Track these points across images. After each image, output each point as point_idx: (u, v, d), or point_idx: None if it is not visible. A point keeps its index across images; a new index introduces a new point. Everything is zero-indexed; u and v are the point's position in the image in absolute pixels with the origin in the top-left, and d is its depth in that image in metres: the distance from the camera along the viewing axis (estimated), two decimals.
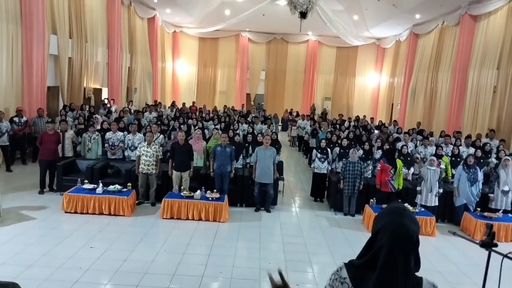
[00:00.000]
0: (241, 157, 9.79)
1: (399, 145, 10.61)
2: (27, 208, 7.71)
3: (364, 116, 19.32)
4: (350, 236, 7.41)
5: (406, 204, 7.93)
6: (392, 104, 22.86)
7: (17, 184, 9.33)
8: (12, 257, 5.66)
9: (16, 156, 11.19)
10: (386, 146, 9.64)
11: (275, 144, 10.01)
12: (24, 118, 11.02)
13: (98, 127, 10.95)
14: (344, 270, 1.76)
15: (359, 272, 1.71)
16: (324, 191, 9.68)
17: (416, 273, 1.68)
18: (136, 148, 9.26)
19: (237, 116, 17.19)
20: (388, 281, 1.60)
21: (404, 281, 1.62)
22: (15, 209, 7.58)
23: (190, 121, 13.45)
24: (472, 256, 6.88)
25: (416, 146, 11.34)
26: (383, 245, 1.63)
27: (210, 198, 7.80)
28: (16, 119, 10.80)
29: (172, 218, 7.64)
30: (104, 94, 17.40)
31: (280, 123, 22.42)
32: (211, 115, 16.70)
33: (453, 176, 9.27)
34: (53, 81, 13.48)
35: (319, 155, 9.46)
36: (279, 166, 9.10)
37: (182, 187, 8.21)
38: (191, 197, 7.79)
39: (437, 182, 8.15)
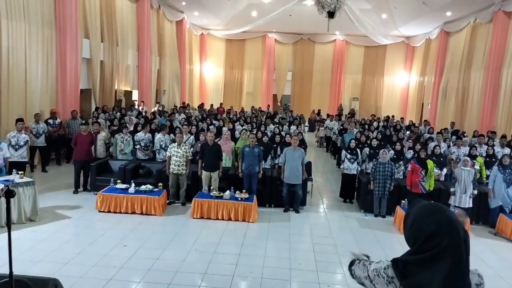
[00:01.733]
0: (269, 157, 9.81)
1: (431, 145, 10.40)
2: (62, 207, 7.95)
3: (393, 116, 19.01)
4: (381, 238, 7.31)
5: None
6: (422, 104, 22.41)
7: (53, 184, 9.63)
8: (49, 254, 5.85)
9: (51, 157, 11.54)
10: (418, 147, 9.45)
11: (301, 144, 9.98)
12: (58, 120, 11.37)
13: (131, 128, 11.18)
14: (390, 270, 1.74)
15: (409, 269, 1.67)
16: (354, 192, 9.57)
17: None
18: (168, 147, 9.43)
19: (265, 117, 17.21)
20: (457, 280, 1.59)
21: (468, 277, 1.63)
22: (51, 208, 7.82)
23: (217, 123, 13.57)
24: (508, 259, 6.68)
25: (449, 146, 11.07)
26: (446, 248, 1.60)
27: (239, 198, 7.84)
28: (50, 121, 11.15)
29: (202, 217, 7.72)
30: (134, 96, 17.75)
31: (307, 124, 22.32)
32: (238, 116, 16.81)
33: (487, 177, 9.01)
34: (86, 84, 13.85)
35: (348, 155, 9.37)
36: (307, 167, 9.07)
37: (211, 187, 8.29)
38: (221, 197, 7.86)
39: (472, 183, 7.94)
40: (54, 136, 11.15)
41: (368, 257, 2.08)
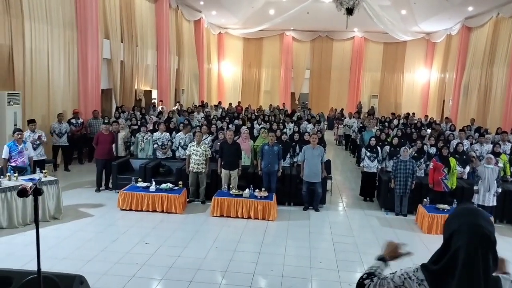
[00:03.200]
0: (288, 156, 9.78)
1: (454, 143, 10.22)
2: (85, 206, 8.09)
3: (413, 114, 18.74)
4: (403, 237, 7.21)
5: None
6: (444, 101, 22.02)
7: (75, 182, 9.81)
8: (73, 252, 5.96)
9: (73, 156, 11.75)
10: (440, 144, 9.30)
11: (320, 143, 9.93)
12: (80, 120, 11.56)
13: (151, 127, 11.30)
14: (420, 272, 1.73)
15: (436, 277, 1.67)
16: (374, 190, 9.48)
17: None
18: (187, 146, 9.50)
19: (283, 115, 17.18)
20: (469, 283, 1.57)
21: (485, 282, 1.57)
22: (74, 206, 7.97)
23: (236, 121, 13.60)
24: None
25: (471, 144, 10.86)
26: (460, 247, 1.59)
27: (259, 197, 7.85)
28: (73, 120, 11.36)
29: (221, 216, 7.76)
30: (154, 96, 17.93)
31: (325, 122, 22.18)
32: (257, 114, 16.82)
33: None
34: (107, 84, 14.05)
35: (368, 153, 9.29)
36: (326, 165, 9.02)
37: (231, 186, 8.31)
38: (240, 196, 7.88)
39: (495, 181, 7.77)
40: (77, 136, 11.35)
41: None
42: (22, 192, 2.43)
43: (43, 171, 7.43)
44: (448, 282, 1.62)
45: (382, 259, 2.03)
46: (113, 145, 9.53)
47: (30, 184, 2.50)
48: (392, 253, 2.04)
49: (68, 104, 11.63)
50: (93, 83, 12.30)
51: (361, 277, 1.97)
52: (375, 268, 2.00)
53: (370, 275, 1.96)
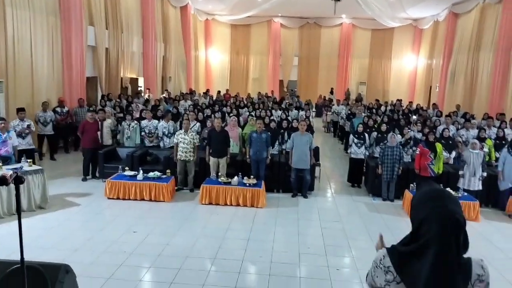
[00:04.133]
0: (276, 143, 9.77)
1: (440, 128, 10.30)
2: (71, 195, 8.01)
3: (400, 100, 18.81)
4: (390, 222, 7.28)
5: (448, 189, 7.75)
6: (430, 87, 22.15)
7: (61, 172, 9.69)
8: (60, 241, 5.91)
9: (59, 145, 11.60)
10: (427, 130, 9.36)
11: (308, 130, 9.92)
12: (66, 108, 11.39)
13: (137, 115, 11.18)
14: (387, 259, 1.72)
15: (404, 259, 1.66)
16: (362, 176, 9.54)
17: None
18: (172, 134, 9.41)
19: (271, 102, 17.12)
20: (443, 269, 1.56)
21: (457, 264, 1.59)
22: (60, 196, 7.89)
23: (224, 109, 13.52)
24: None
25: (457, 129, 10.97)
26: (433, 237, 1.58)
27: (247, 184, 7.84)
28: (58, 109, 11.18)
29: (210, 203, 7.74)
30: (140, 84, 17.72)
31: (314, 109, 22.18)
32: (245, 102, 16.74)
33: (497, 159, 8.93)
34: (92, 72, 13.83)
35: (356, 140, 9.32)
36: (315, 152, 9.03)
37: (219, 173, 8.29)
38: (229, 183, 7.86)
39: (481, 166, 7.87)
40: (62, 124, 11.19)
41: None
42: (2, 181, 2.37)
43: (28, 160, 7.31)
44: (416, 265, 1.60)
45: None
46: (99, 133, 9.40)
47: (10, 172, 2.44)
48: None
49: (52, 92, 11.43)
50: (77, 70, 12.09)
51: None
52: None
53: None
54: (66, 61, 11.81)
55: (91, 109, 10.68)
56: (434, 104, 17.27)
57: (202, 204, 7.74)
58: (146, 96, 16.02)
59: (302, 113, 13.98)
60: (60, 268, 3.04)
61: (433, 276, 1.54)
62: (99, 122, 9.49)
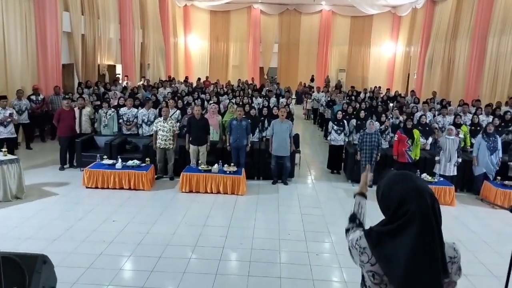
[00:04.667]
0: (257, 130, 9.78)
1: (417, 115, 10.46)
2: (49, 184, 7.88)
3: (379, 87, 19.02)
4: (369, 207, 7.32)
5: (424, 174, 7.92)
6: (409, 74, 22.43)
7: (38, 161, 9.51)
8: (37, 231, 5.82)
9: (35, 133, 11.35)
10: (404, 116, 9.51)
11: (288, 117, 9.95)
12: (41, 96, 11.13)
13: (115, 103, 11.00)
14: (363, 240, 1.76)
15: (382, 239, 1.69)
16: (341, 163, 9.65)
17: None
18: (151, 123, 9.31)
19: (252, 90, 17.08)
20: (425, 246, 1.60)
21: (440, 243, 1.62)
22: (37, 186, 7.75)
23: (203, 96, 13.42)
24: (491, 224, 6.86)
25: (434, 116, 11.16)
26: (414, 215, 1.62)
27: (228, 172, 7.84)
28: (33, 97, 10.92)
29: (190, 191, 7.73)
30: (118, 71, 17.41)
31: (294, 96, 22.22)
32: (225, 89, 16.65)
33: (472, 145, 9.14)
34: (68, 59, 13.52)
35: (335, 127, 9.40)
36: (295, 139, 9.07)
37: (199, 161, 8.26)
38: (209, 171, 7.85)
39: (456, 152, 8.04)
40: (38, 113, 10.95)
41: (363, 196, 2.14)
42: None
43: (2, 149, 7.13)
44: (393, 244, 1.64)
45: (359, 193, 2.16)
46: (77, 122, 9.23)
47: None
48: (365, 183, 2.17)
49: (27, 80, 11.14)
50: (53, 57, 11.81)
51: (347, 224, 2.05)
52: (356, 207, 2.12)
53: (351, 219, 2.06)
54: (41, 48, 11.51)
55: (67, 96, 10.45)
56: (412, 91, 17.52)
57: (182, 192, 7.72)
58: (124, 83, 15.77)
59: (282, 100, 13.99)
60: (37, 259, 2.99)
61: (415, 254, 1.58)
62: (78, 110, 9.30)
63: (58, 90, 11.60)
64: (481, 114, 10.79)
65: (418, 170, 7.99)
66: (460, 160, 8.13)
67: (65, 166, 8.95)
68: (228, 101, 12.76)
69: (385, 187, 1.77)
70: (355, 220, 2.05)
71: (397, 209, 1.66)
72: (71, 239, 5.59)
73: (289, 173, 8.67)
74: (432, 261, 1.59)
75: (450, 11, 17.24)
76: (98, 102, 11.26)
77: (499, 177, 8.05)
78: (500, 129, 9.66)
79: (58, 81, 12.07)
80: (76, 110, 9.29)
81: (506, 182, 7.84)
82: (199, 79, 20.38)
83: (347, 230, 2.00)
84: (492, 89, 13.98)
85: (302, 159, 10.30)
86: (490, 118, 10.18)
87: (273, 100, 14.10)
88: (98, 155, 8.28)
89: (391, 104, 14.15)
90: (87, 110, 9.63)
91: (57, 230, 5.87)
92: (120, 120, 9.74)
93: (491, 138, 8.18)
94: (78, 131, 9.23)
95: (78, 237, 5.66)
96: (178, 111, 10.03)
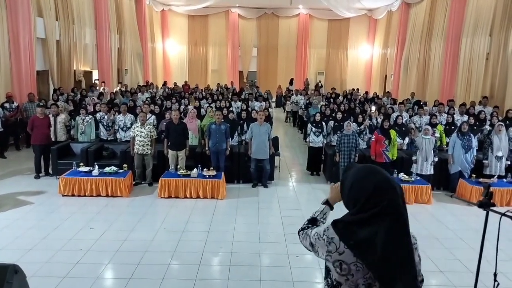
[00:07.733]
0: (236, 134, 9.77)
1: (394, 115, 10.61)
2: (24, 193, 7.69)
3: (358, 89, 19.24)
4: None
5: (402, 174, 8.03)
6: (386, 76, 22.78)
7: (12, 169, 9.29)
8: (12, 241, 5.67)
9: (9, 142, 11.09)
10: (381, 117, 9.64)
11: (267, 120, 9.99)
12: (15, 104, 10.89)
13: (91, 109, 10.84)
14: (331, 230, 1.79)
15: (349, 229, 1.73)
16: (320, 164, 9.71)
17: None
18: (128, 128, 9.21)
19: (231, 94, 17.08)
20: (400, 232, 1.65)
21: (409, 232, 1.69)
22: (12, 195, 7.57)
23: (182, 101, 13.36)
24: (468, 221, 6.98)
25: (411, 116, 11.35)
26: (388, 205, 1.66)
27: (207, 176, 7.80)
28: (6, 104, 10.68)
29: (169, 197, 7.65)
30: (95, 77, 17.18)
31: (273, 100, 22.29)
32: (204, 93, 16.60)
33: (447, 144, 9.31)
34: (42, 65, 13.28)
35: (314, 129, 9.46)
36: (274, 142, 9.10)
37: (178, 166, 8.20)
38: (188, 176, 7.79)
39: (432, 151, 8.19)
40: (11, 121, 10.70)
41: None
42: None
43: None
44: (364, 231, 1.67)
45: (326, 202, 2.14)
46: (51, 129, 9.05)
47: None
48: (336, 195, 2.10)
49: (0, 87, 10.88)
50: (27, 64, 11.58)
51: (304, 223, 2.08)
52: (318, 212, 2.12)
53: (311, 221, 2.07)
54: (14, 54, 11.27)
55: (41, 104, 10.25)
56: (387, 92, 17.81)
57: (161, 197, 7.64)
58: (101, 89, 15.55)
59: (261, 103, 14.01)
60: (7, 269, 2.91)
61: (391, 241, 1.62)
62: (52, 118, 9.13)
63: (32, 97, 11.37)
64: (455, 113, 11.02)
65: (396, 170, 8.11)
66: (436, 159, 8.27)
67: (40, 175, 8.76)
68: (207, 105, 12.73)
69: (355, 179, 1.79)
70: (314, 223, 2.08)
71: (368, 199, 1.69)
72: (47, 248, 5.46)
73: (269, 176, 8.68)
74: (406, 246, 1.65)
75: (424, 13, 17.60)
76: (72, 108, 11.08)
77: (474, 175, 8.22)
78: (475, 127, 9.88)
79: (33, 88, 11.83)
80: (51, 117, 9.11)
81: (481, 180, 8.01)
82: (175, 83, 20.24)
83: (303, 229, 2.03)
84: (466, 89, 14.32)
85: (282, 162, 10.33)
86: (465, 118, 10.41)
87: (257, 103, 14.10)
88: (74, 162, 8.13)
89: (373, 107, 14.31)
90: (62, 117, 9.45)
91: (33, 239, 5.73)
92: (100, 125, 9.61)
93: (465, 137, 8.34)
94: (53, 139, 9.04)
95: (54, 246, 5.54)
96: (153, 116, 9.95)
